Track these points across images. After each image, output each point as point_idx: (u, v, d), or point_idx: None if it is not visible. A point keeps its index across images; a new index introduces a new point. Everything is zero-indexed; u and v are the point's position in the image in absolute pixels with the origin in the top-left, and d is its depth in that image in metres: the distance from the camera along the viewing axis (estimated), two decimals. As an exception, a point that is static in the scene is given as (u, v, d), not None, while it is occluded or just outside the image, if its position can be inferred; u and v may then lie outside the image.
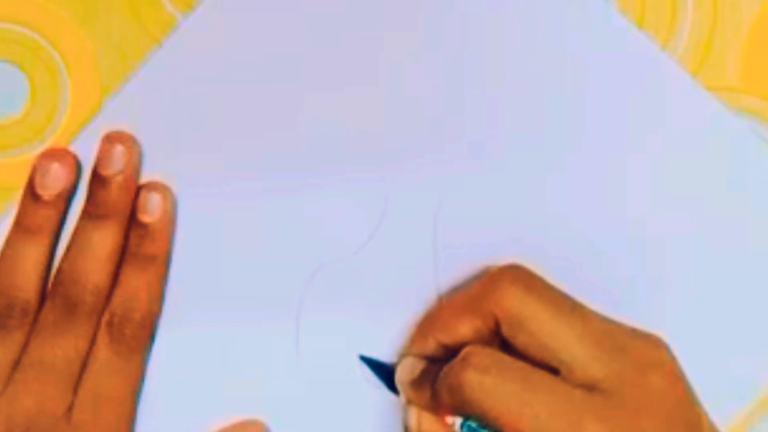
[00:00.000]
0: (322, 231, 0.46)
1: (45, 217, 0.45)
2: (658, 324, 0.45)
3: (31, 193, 0.45)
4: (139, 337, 0.45)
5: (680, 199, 0.46)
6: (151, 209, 0.45)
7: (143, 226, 0.45)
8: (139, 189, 0.45)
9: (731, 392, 0.45)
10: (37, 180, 0.45)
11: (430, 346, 0.43)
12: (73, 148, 0.46)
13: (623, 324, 0.41)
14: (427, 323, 0.44)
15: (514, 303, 0.40)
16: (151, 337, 0.45)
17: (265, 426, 0.45)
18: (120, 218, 0.45)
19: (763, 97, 0.46)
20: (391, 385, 0.44)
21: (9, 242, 0.45)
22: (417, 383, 0.42)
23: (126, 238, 0.45)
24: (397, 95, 0.46)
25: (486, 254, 0.45)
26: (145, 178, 0.46)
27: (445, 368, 0.40)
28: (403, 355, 0.44)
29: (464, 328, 0.41)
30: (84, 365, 0.44)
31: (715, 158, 0.46)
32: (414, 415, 0.42)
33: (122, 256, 0.45)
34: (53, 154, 0.45)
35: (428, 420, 0.42)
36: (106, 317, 0.45)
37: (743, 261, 0.46)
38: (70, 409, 0.44)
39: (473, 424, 0.40)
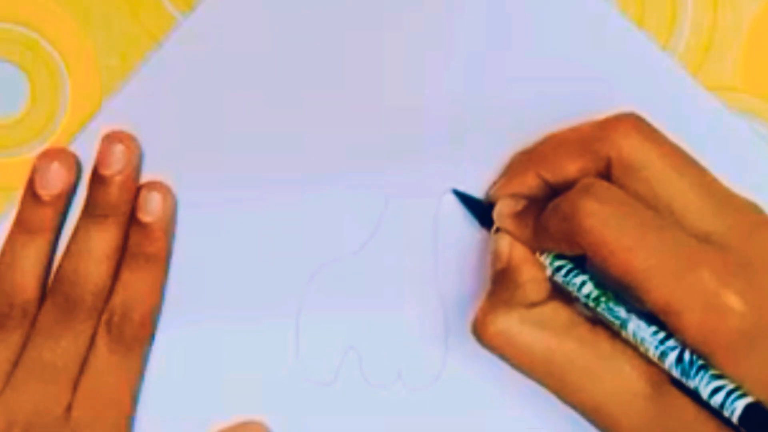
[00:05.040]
0: (322, 231, 0.46)
1: (45, 217, 0.45)
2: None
3: (31, 192, 0.45)
4: (138, 336, 0.45)
5: (680, 199, 0.46)
6: (151, 209, 0.45)
7: (143, 225, 0.45)
8: (139, 188, 0.45)
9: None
10: (37, 180, 0.45)
11: (529, 181, 0.42)
12: (73, 148, 0.46)
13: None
14: (531, 158, 0.43)
15: (632, 147, 0.39)
16: (151, 337, 0.45)
17: (265, 426, 0.45)
18: (120, 218, 0.45)
19: (763, 97, 0.46)
20: (482, 220, 0.44)
21: (9, 242, 0.45)
22: (519, 216, 0.42)
23: (126, 237, 0.45)
24: (398, 95, 0.46)
25: (486, 254, 0.45)
26: (145, 178, 0.46)
27: (559, 198, 0.39)
28: (494, 193, 0.44)
29: (572, 166, 0.41)
30: (83, 364, 0.44)
31: (715, 158, 0.46)
32: (506, 240, 0.42)
33: (122, 256, 0.45)
34: (53, 154, 0.45)
35: (520, 250, 0.41)
36: (105, 316, 0.45)
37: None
38: (69, 408, 0.44)
39: (566, 264, 0.40)
